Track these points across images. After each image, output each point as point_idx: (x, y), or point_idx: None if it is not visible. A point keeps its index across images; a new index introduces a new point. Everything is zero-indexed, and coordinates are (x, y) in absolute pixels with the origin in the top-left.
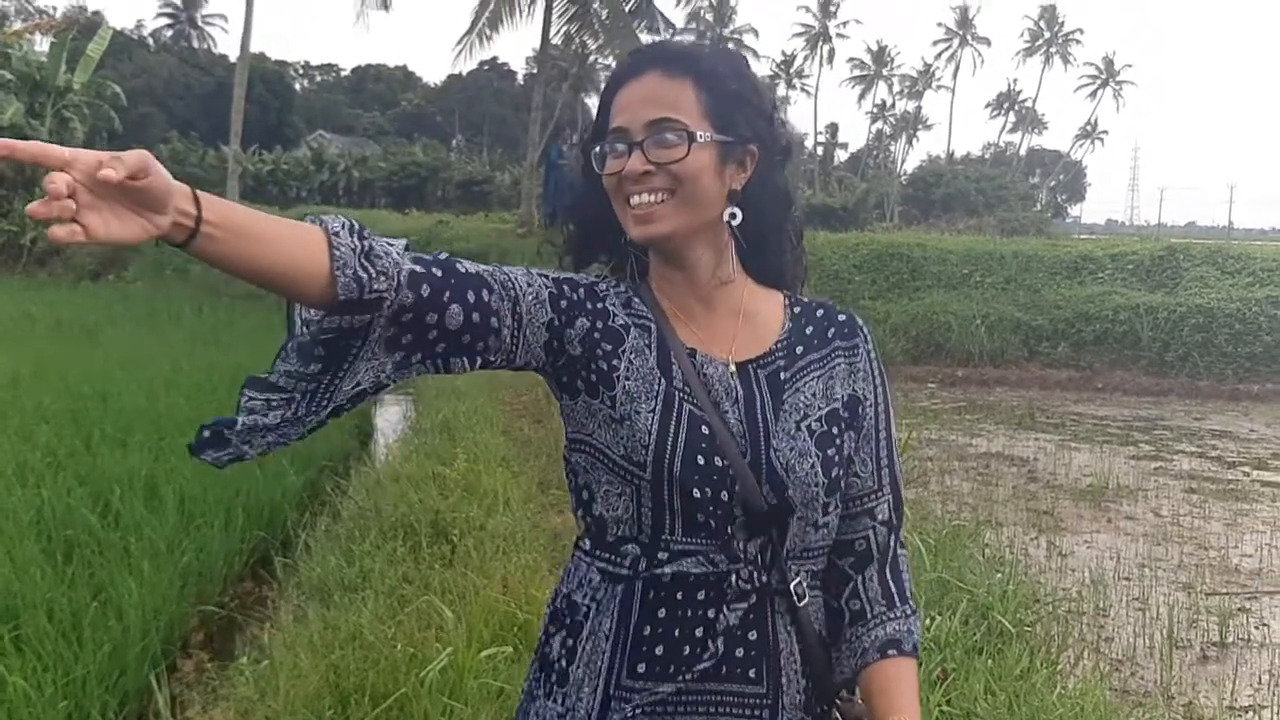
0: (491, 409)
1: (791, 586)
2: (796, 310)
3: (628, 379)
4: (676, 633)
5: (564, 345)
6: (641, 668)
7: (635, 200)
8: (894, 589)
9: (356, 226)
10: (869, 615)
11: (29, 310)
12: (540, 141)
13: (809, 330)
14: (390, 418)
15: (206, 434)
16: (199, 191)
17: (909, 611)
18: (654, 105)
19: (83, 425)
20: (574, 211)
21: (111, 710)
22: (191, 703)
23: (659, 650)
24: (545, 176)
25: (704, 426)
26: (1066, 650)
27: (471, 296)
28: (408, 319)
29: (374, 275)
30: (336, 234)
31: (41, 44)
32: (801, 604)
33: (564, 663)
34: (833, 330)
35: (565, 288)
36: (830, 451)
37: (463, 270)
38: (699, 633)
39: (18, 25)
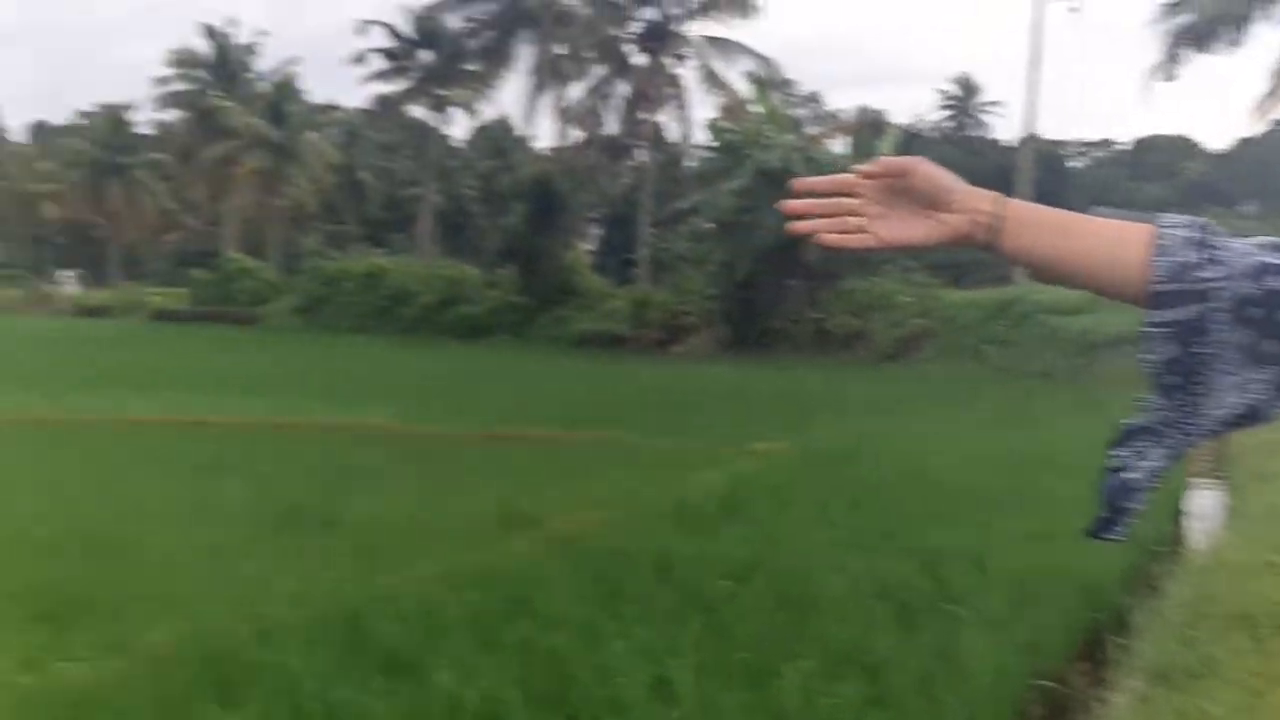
0: None
1: None
2: None
3: None
4: None
5: None
6: None
7: None
8: None
9: (1200, 221)
10: None
11: (806, 388)
12: None
13: None
14: (1200, 501)
15: (1102, 515)
16: (997, 194)
17: None
18: None
19: (902, 500)
20: None
21: None
22: None
23: None
24: None
25: None
26: None
27: None
28: (1256, 316)
29: (1199, 262)
30: (1167, 224)
31: (837, 145)
32: None
33: None
34: None
35: None
36: None
37: None
38: None
39: (814, 130)
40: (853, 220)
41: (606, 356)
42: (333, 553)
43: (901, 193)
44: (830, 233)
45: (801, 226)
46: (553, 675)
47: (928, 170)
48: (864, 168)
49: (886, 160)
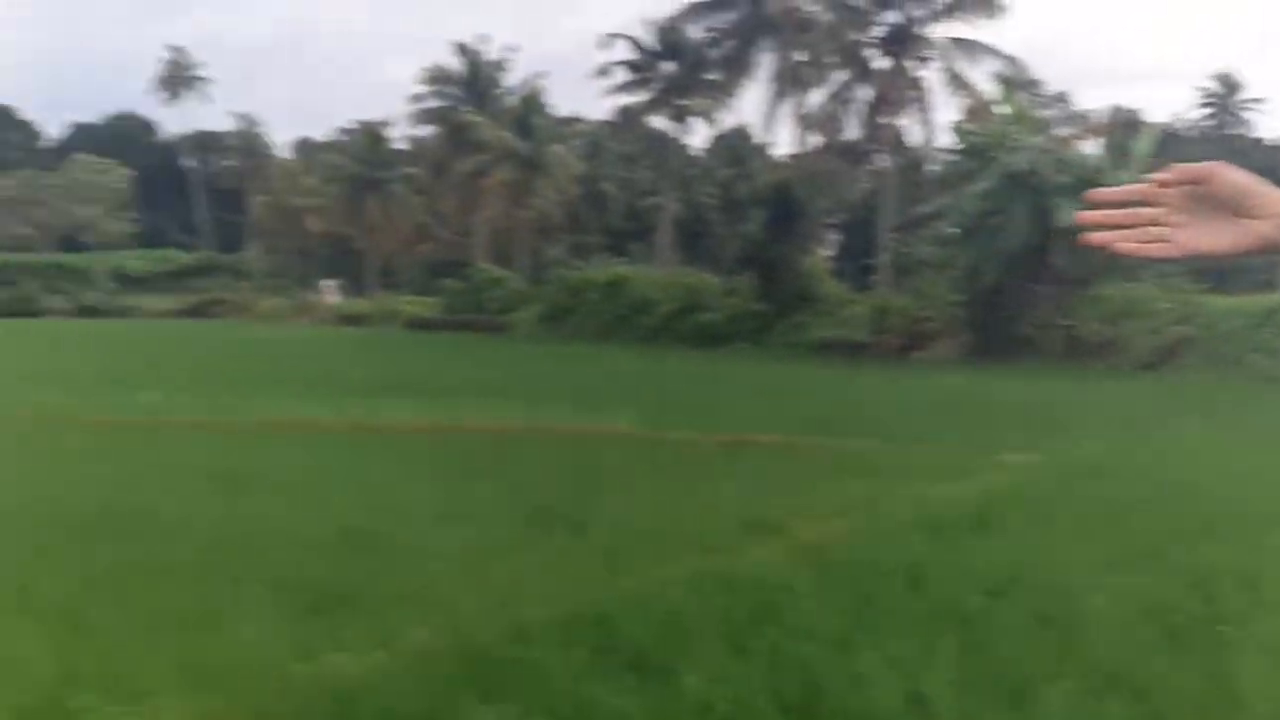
0: None
1: None
2: None
3: None
4: None
5: None
6: None
7: None
8: None
9: None
10: None
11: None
12: None
13: None
14: None
15: None
16: None
17: None
18: None
19: (1165, 516)
20: None
21: None
22: None
23: None
24: None
25: None
26: None
27: None
28: None
29: None
30: None
31: (1089, 146)
32: None
33: None
34: None
35: None
36: None
37: None
38: None
39: (1064, 131)
40: (1153, 230)
41: (846, 363)
42: (581, 554)
43: (1202, 199)
44: (1129, 243)
45: (1099, 237)
46: (803, 684)
47: (1228, 175)
48: (1161, 175)
49: (1184, 167)
